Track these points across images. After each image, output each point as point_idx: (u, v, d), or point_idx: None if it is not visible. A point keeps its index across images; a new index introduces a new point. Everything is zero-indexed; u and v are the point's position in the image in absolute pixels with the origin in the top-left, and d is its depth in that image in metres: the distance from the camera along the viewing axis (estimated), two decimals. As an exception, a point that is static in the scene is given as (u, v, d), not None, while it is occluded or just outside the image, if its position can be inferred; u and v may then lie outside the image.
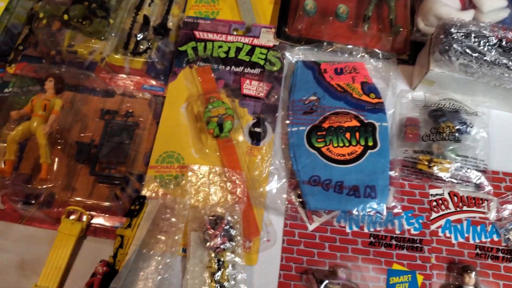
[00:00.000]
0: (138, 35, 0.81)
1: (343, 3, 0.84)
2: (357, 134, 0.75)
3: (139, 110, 0.78)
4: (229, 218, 0.69)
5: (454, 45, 0.71)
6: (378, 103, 0.78)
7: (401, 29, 0.81)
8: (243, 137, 0.77)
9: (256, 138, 0.78)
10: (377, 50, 0.84)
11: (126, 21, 0.83)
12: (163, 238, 0.69)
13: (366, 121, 0.76)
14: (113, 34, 0.80)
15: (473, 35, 0.72)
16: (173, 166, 0.75)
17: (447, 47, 0.72)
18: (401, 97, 0.82)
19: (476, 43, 0.71)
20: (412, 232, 0.72)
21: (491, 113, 0.79)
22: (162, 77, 0.82)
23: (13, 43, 0.84)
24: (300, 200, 0.73)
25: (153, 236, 0.68)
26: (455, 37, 0.72)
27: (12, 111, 0.73)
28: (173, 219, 0.70)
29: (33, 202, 0.71)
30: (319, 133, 0.75)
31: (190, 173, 0.73)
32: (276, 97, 0.80)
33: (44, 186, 0.70)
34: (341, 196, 0.71)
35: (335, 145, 0.74)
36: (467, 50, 0.71)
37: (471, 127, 0.76)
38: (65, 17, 0.78)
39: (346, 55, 0.84)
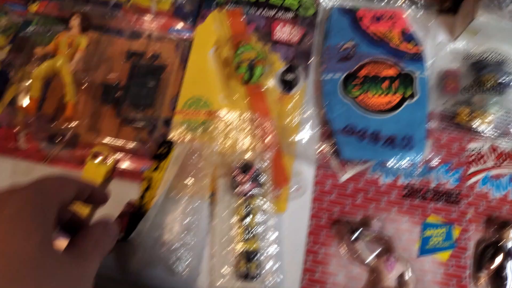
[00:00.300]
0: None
1: None
2: (395, 83, 0.72)
3: (166, 53, 0.75)
4: (258, 165, 0.67)
5: (505, -11, 0.67)
6: (417, 52, 0.74)
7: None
8: (273, 84, 0.74)
9: (287, 85, 0.74)
10: (417, -2, 0.79)
11: (153, -40, 0.79)
12: (190, 183, 0.66)
13: (404, 71, 0.72)
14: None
15: (525, -22, 0.67)
16: (201, 111, 0.72)
17: (496, -8, 0.68)
18: (441, 48, 0.78)
19: (528, -13, 0.67)
20: (449, 185, 0.69)
21: (537, 65, 0.75)
22: (190, 20, 0.78)
23: (34, -20, 0.80)
24: (333, 149, 0.70)
25: (181, 180, 0.66)
26: (506, -19, 0.67)
27: (36, 48, 0.70)
28: (201, 164, 0.67)
29: (57, 141, 0.68)
30: (355, 81, 0.72)
31: (218, 119, 0.70)
32: (309, 43, 0.77)
33: (69, 126, 0.68)
34: (377, 146, 0.68)
35: (372, 94, 0.71)
36: (519, -5, 0.67)
37: (516, 79, 0.72)
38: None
39: (383, 2, 0.80)
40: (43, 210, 0.34)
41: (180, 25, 0.78)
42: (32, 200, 0.34)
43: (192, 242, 0.63)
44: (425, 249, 0.65)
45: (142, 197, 0.62)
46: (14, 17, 0.78)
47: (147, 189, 0.62)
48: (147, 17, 0.78)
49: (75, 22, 0.71)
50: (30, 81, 0.67)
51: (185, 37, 0.77)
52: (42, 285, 0.31)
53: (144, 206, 0.60)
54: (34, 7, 0.78)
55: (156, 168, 0.63)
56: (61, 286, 0.32)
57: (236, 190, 0.65)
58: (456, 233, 0.66)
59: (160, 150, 0.65)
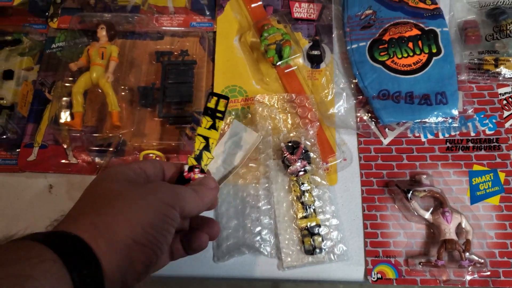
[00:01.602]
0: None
1: None
2: (420, 42, 0.73)
3: (192, 48, 0.77)
4: (305, 142, 0.69)
5: None
6: (435, 8, 0.76)
7: None
8: (302, 61, 0.76)
9: (315, 61, 0.76)
10: (424, -45, 0.81)
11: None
12: (246, 168, 0.69)
13: (426, 29, 0.74)
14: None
15: None
16: (237, 99, 0.74)
17: None
18: (456, 0, 0.79)
19: None
20: (487, 132, 0.72)
21: (552, 3, 0.77)
22: (208, 12, 0.79)
23: (49, -2, 0.81)
24: (371, 116, 0.73)
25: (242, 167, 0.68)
26: None
27: (70, 63, 0.71)
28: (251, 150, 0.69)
29: (106, 151, 0.70)
30: (381, 46, 0.74)
31: (256, 104, 0.72)
32: (329, 18, 0.78)
33: (119, 134, 0.69)
34: (413, 106, 0.70)
35: (399, 56, 0.73)
36: None
37: (535, 20, 0.74)
38: (103, -40, 0.75)
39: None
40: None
41: (200, 18, 0.79)
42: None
43: (270, 223, 0.66)
44: (475, 197, 0.68)
45: (199, 156, 0.54)
46: (36, 36, 0.79)
47: (205, 149, 0.55)
48: (166, 16, 0.79)
49: (102, 32, 0.72)
50: (70, 97, 0.68)
51: (207, 30, 0.78)
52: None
53: (205, 168, 0.54)
54: (54, 24, 0.79)
55: (212, 127, 0.55)
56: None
57: (288, 170, 0.67)
58: (502, 176, 0.69)
59: (210, 104, 0.56)
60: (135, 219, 0.38)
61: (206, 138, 0.54)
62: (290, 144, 0.68)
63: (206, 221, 0.52)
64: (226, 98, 0.56)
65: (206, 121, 0.54)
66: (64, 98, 0.70)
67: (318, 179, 0.68)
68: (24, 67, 0.77)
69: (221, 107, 0.55)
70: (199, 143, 0.54)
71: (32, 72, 0.76)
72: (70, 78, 0.71)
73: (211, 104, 0.55)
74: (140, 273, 0.39)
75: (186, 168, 0.52)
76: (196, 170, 0.52)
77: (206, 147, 0.54)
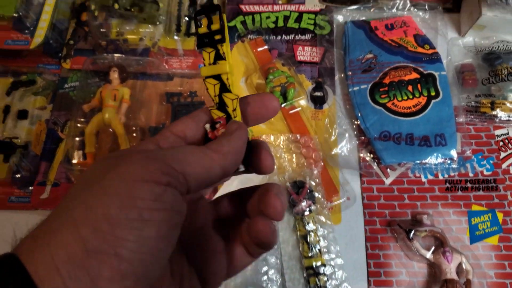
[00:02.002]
0: (188, 16, 0.82)
1: (384, -41, 0.84)
2: (419, 85, 0.77)
3: (201, 89, 0.79)
4: (310, 182, 0.71)
5: (509, -14, 0.72)
6: (433, 53, 0.79)
7: (447, -22, 0.82)
8: (305, 103, 0.79)
9: (318, 102, 0.79)
10: (422, 2, 0.85)
11: (171, 3, 0.84)
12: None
13: (425, 72, 0.78)
14: (163, 18, 0.81)
15: (525, -27, 0.73)
16: (243, 139, 0.76)
17: (501, -11, 0.73)
18: (452, 45, 0.83)
19: (529, -19, 0.73)
20: (485, 173, 0.74)
21: (544, 49, 0.81)
22: (216, 54, 0.82)
23: (62, 39, 0.84)
24: (373, 156, 0.75)
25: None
26: (508, -22, 0.73)
27: (83, 105, 0.74)
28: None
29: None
30: (381, 89, 0.77)
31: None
32: (332, 61, 0.81)
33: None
34: (413, 148, 0.73)
35: (400, 98, 0.76)
36: (523, -10, 0.72)
37: (528, 65, 0.77)
38: (116, 6, 0.78)
39: (393, 10, 0.85)
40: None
41: (208, 60, 0.82)
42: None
43: (277, 263, 0.68)
44: (475, 236, 0.70)
45: (222, 103, 0.39)
46: (50, 76, 0.82)
47: (223, 90, 0.39)
48: (176, 58, 0.82)
49: (114, 75, 0.75)
50: (82, 138, 0.71)
51: (214, 71, 0.81)
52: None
53: (233, 114, 0.39)
54: (67, 64, 0.82)
55: (217, 57, 0.39)
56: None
57: (294, 210, 0.69)
58: (500, 216, 0.71)
59: (201, 29, 0.39)
60: (84, 216, 0.26)
61: (217, 77, 0.39)
62: (295, 183, 0.71)
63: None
64: (217, 8, 0.39)
65: (207, 55, 0.39)
66: (77, 138, 0.73)
67: (323, 219, 0.70)
68: (38, 106, 0.79)
69: (215, 25, 0.39)
70: (212, 88, 0.40)
71: (45, 111, 0.79)
72: (82, 119, 0.74)
73: (203, 29, 0.39)
74: None
75: (207, 127, 0.38)
76: (217, 124, 0.38)
77: (223, 88, 0.39)
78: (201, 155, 0.32)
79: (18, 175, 0.73)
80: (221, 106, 0.38)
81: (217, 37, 0.38)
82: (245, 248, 0.37)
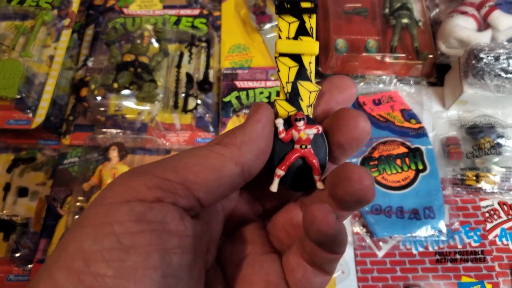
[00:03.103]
0: (185, 93, 0.85)
1: (370, 38, 0.89)
2: (407, 159, 0.80)
3: (197, 164, 0.82)
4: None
5: (487, 69, 0.77)
6: (420, 128, 0.84)
7: (429, 56, 0.87)
8: (299, 177, 0.82)
9: (311, 175, 0.82)
10: (407, 77, 0.90)
11: (169, 80, 0.87)
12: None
13: (412, 147, 0.81)
14: (161, 95, 0.84)
15: (502, 57, 0.78)
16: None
17: (480, 72, 0.78)
18: (437, 118, 0.87)
19: (506, 64, 0.78)
20: (473, 244, 0.77)
21: (523, 123, 0.86)
22: (212, 129, 0.86)
23: (62, 114, 0.87)
24: (365, 229, 0.78)
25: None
26: (486, 62, 0.78)
27: (83, 184, 0.76)
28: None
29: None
30: (371, 163, 0.80)
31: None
32: (323, 134, 0.85)
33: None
34: (404, 221, 0.76)
35: (389, 172, 0.79)
36: (500, 73, 0.77)
37: (508, 139, 0.82)
38: (115, 85, 0.82)
39: (380, 85, 0.89)
40: None
41: (204, 135, 0.85)
42: None
43: None
44: (466, 309, 0.73)
45: (296, 93, 0.30)
46: (49, 151, 0.84)
47: (299, 75, 0.30)
48: (173, 133, 0.85)
49: (113, 153, 0.77)
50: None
51: (210, 146, 0.84)
52: None
53: (309, 110, 0.30)
54: (66, 140, 0.84)
55: (301, 31, 0.30)
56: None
57: (290, 286, 0.71)
58: (489, 288, 0.74)
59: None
60: (57, 256, 0.22)
61: (297, 58, 0.29)
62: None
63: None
64: None
65: (286, 26, 0.29)
66: (77, 216, 0.74)
67: (318, 293, 0.72)
68: (38, 182, 0.81)
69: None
70: (286, 71, 0.29)
71: (45, 187, 0.81)
72: (81, 198, 0.76)
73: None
74: None
75: (280, 124, 0.28)
76: (300, 122, 0.28)
77: (302, 73, 0.29)
78: (205, 153, 0.25)
79: (18, 254, 0.74)
80: (293, 97, 0.29)
81: (306, 4, 0.28)
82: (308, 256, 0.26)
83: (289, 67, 0.29)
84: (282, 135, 0.28)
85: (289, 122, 0.29)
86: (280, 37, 0.29)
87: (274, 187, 0.29)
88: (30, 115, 0.79)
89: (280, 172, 0.29)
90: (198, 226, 0.25)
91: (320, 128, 0.28)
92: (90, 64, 0.92)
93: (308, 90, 0.29)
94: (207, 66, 0.88)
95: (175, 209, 0.23)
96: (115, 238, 0.21)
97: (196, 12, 0.99)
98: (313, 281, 0.27)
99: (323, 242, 0.24)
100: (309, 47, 0.29)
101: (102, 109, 0.83)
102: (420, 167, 0.80)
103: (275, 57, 0.30)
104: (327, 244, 0.24)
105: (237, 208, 0.32)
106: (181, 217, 0.23)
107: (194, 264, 0.24)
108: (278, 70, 0.30)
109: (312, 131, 0.28)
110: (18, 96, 0.78)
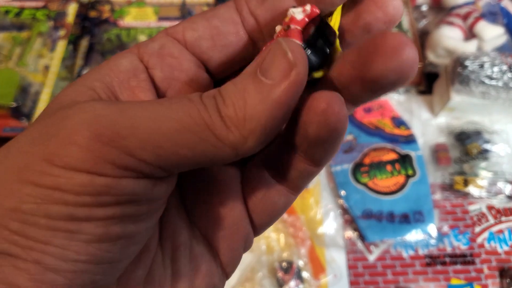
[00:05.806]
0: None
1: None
2: (397, 165, 0.82)
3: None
4: (297, 261, 0.75)
5: (472, 76, 0.80)
6: (409, 134, 0.86)
7: (419, 66, 0.89)
8: (292, 183, 0.83)
9: (304, 181, 0.83)
10: (396, 85, 0.92)
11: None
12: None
13: (402, 153, 0.83)
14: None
15: (486, 65, 0.80)
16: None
17: (466, 79, 0.80)
18: (426, 125, 0.89)
19: (490, 72, 0.80)
20: (462, 247, 0.79)
21: (509, 129, 0.88)
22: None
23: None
24: (357, 233, 0.79)
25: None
26: (471, 69, 0.80)
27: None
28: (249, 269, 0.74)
29: None
30: (362, 169, 0.82)
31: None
32: (315, 141, 0.87)
33: None
34: (394, 225, 0.78)
35: (379, 178, 0.81)
36: (484, 80, 0.79)
37: (495, 145, 0.84)
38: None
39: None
40: None
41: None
42: None
43: None
44: (456, 311, 0.74)
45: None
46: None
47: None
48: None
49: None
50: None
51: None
52: None
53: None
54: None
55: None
56: None
57: (283, 289, 0.72)
58: (478, 290, 0.75)
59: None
60: None
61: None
62: (283, 262, 0.74)
63: None
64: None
65: None
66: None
67: (311, 297, 0.73)
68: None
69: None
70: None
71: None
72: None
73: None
74: None
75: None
76: (296, 12, 0.21)
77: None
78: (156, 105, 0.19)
79: None
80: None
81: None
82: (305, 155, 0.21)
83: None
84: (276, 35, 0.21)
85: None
86: None
87: None
88: (26, 123, 0.80)
89: None
90: None
91: (311, 8, 0.21)
92: (85, 74, 0.94)
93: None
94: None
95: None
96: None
97: (190, 23, 1.01)
98: (277, 201, 0.23)
99: (322, 140, 0.20)
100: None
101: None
102: (410, 172, 0.82)
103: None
104: (325, 143, 0.20)
105: None
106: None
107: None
108: None
109: (297, 10, 0.21)
110: (14, 104, 0.79)
